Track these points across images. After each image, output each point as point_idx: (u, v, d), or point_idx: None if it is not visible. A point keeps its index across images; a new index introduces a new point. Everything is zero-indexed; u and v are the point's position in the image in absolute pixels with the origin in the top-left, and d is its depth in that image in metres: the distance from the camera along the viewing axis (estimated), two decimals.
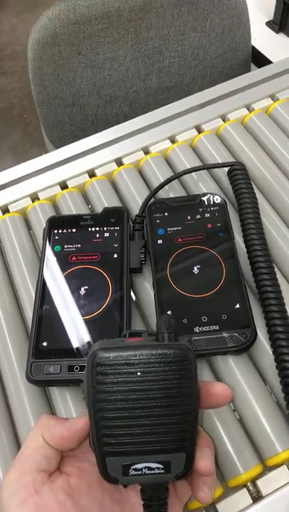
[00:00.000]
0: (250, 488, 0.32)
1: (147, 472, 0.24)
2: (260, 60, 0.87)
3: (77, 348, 0.35)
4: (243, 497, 0.32)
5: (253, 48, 0.86)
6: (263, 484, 0.32)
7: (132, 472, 0.24)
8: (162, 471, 0.24)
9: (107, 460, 0.24)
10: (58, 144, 0.82)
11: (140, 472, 0.24)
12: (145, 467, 0.24)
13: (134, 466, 0.24)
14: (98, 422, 0.23)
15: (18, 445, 0.35)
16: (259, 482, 0.32)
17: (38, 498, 0.24)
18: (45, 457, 0.26)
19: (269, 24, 0.93)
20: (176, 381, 0.23)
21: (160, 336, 0.25)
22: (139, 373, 0.23)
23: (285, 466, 0.33)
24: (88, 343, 0.36)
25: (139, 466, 0.24)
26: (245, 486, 0.32)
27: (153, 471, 0.24)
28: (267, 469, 0.33)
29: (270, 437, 0.33)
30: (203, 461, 0.25)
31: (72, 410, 0.35)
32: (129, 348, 0.24)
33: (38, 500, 0.24)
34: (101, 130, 0.52)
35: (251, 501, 0.32)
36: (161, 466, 0.24)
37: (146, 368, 0.23)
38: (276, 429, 0.33)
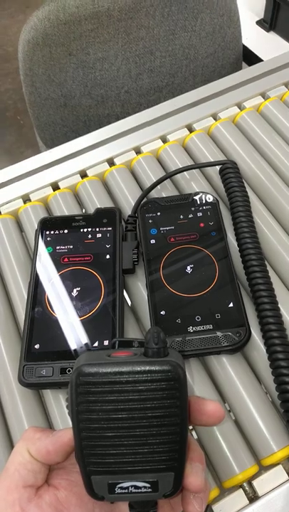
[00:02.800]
0: (247, 488, 0.32)
1: (134, 491, 0.23)
2: (251, 59, 0.87)
3: (69, 350, 0.35)
4: (239, 498, 0.32)
5: (244, 46, 0.86)
6: (259, 484, 0.32)
7: (118, 490, 0.23)
8: (149, 489, 0.23)
9: (92, 478, 0.23)
10: (51, 145, 0.82)
11: (127, 491, 0.23)
12: (132, 486, 0.23)
13: (120, 485, 0.23)
14: (82, 441, 0.23)
15: (11, 448, 0.35)
16: (255, 482, 0.32)
17: None
18: (32, 472, 0.25)
19: (259, 23, 0.93)
20: (164, 400, 0.22)
21: (148, 351, 0.23)
22: (124, 392, 0.22)
23: (280, 465, 0.32)
24: (81, 345, 0.35)
25: (125, 484, 0.23)
26: (241, 486, 0.32)
27: (140, 490, 0.23)
28: (263, 469, 0.33)
29: (265, 437, 0.33)
30: (193, 478, 0.24)
31: (66, 412, 0.35)
32: (114, 365, 0.22)
33: None
34: (93, 131, 0.52)
35: (248, 502, 0.31)
36: (149, 485, 0.23)
37: (132, 387, 0.22)
38: (271, 428, 0.33)
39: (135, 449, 0.22)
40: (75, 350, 0.35)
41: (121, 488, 0.23)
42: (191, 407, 0.25)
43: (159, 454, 0.23)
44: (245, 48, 0.86)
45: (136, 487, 0.23)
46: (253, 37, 0.89)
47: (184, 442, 0.23)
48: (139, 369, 0.22)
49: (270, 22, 0.90)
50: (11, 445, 0.35)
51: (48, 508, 0.24)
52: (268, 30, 0.91)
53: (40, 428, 0.27)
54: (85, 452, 0.23)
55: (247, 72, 0.55)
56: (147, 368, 0.22)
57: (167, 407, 0.22)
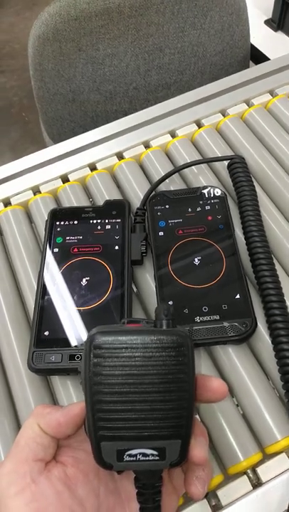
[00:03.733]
0: (250, 475, 0.33)
1: (142, 458, 0.24)
2: (258, 58, 0.88)
3: (78, 338, 0.36)
4: (243, 484, 0.32)
5: (252, 45, 0.87)
6: (263, 471, 0.32)
7: (126, 458, 0.24)
8: (157, 457, 0.24)
9: (102, 445, 0.24)
10: (58, 140, 0.83)
11: (135, 458, 0.23)
12: (140, 453, 0.23)
13: (128, 452, 0.24)
14: (94, 406, 0.23)
15: None
16: (259, 469, 0.32)
17: (35, 488, 0.24)
18: (42, 446, 0.26)
19: (268, 22, 0.94)
20: (173, 367, 0.23)
21: (158, 323, 0.25)
22: (136, 358, 0.23)
23: (284, 453, 0.33)
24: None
25: (133, 451, 0.23)
26: (245, 473, 0.33)
27: (147, 458, 0.23)
28: (266, 457, 0.33)
29: (269, 425, 0.33)
30: (197, 450, 0.24)
31: (73, 399, 0.35)
32: (127, 333, 0.24)
33: (35, 490, 0.24)
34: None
35: (251, 488, 0.32)
36: (156, 453, 0.24)
37: (143, 353, 0.23)
38: (275, 417, 0.33)
39: (145, 415, 0.23)
40: (83, 337, 0.36)
41: (129, 455, 0.23)
42: (196, 384, 0.26)
43: (168, 421, 0.23)
44: (252, 47, 0.86)
45: (144, 454, 0.23)
46: (261, 36, 0.90)
47: (191, 410, 0.24)
48: (150, 337, 0.24)
49: (278, 22, 0.90)
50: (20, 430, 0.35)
51: (57, 481, 0.25)
52: (275, 30, 0.92)
53: (49, 404, 0.27)
54: (96, 417, 0.23)
55: (255, 69, 0.56)
56: (158, 336, 0.24)
57: (176, 373, 0.23)
